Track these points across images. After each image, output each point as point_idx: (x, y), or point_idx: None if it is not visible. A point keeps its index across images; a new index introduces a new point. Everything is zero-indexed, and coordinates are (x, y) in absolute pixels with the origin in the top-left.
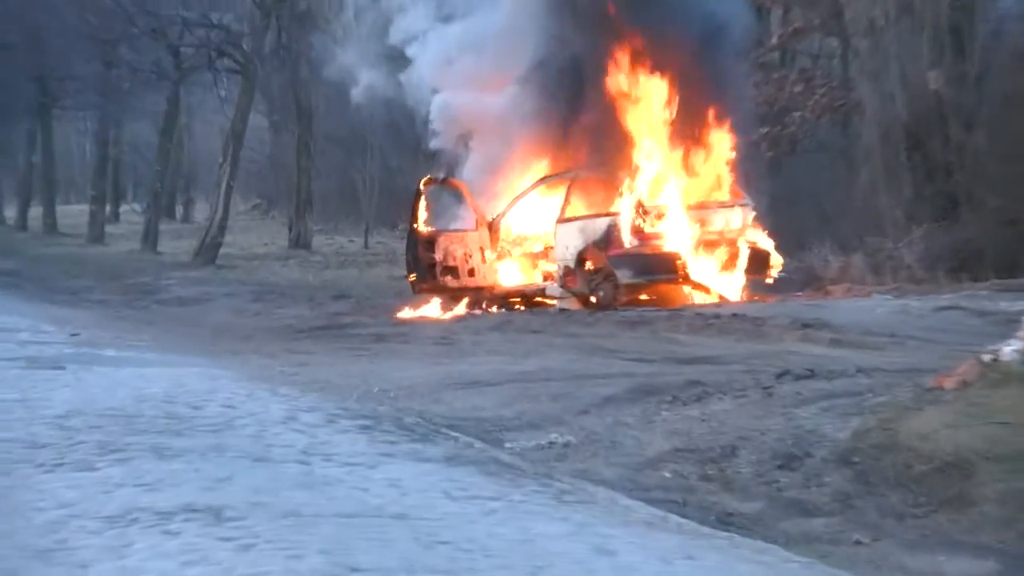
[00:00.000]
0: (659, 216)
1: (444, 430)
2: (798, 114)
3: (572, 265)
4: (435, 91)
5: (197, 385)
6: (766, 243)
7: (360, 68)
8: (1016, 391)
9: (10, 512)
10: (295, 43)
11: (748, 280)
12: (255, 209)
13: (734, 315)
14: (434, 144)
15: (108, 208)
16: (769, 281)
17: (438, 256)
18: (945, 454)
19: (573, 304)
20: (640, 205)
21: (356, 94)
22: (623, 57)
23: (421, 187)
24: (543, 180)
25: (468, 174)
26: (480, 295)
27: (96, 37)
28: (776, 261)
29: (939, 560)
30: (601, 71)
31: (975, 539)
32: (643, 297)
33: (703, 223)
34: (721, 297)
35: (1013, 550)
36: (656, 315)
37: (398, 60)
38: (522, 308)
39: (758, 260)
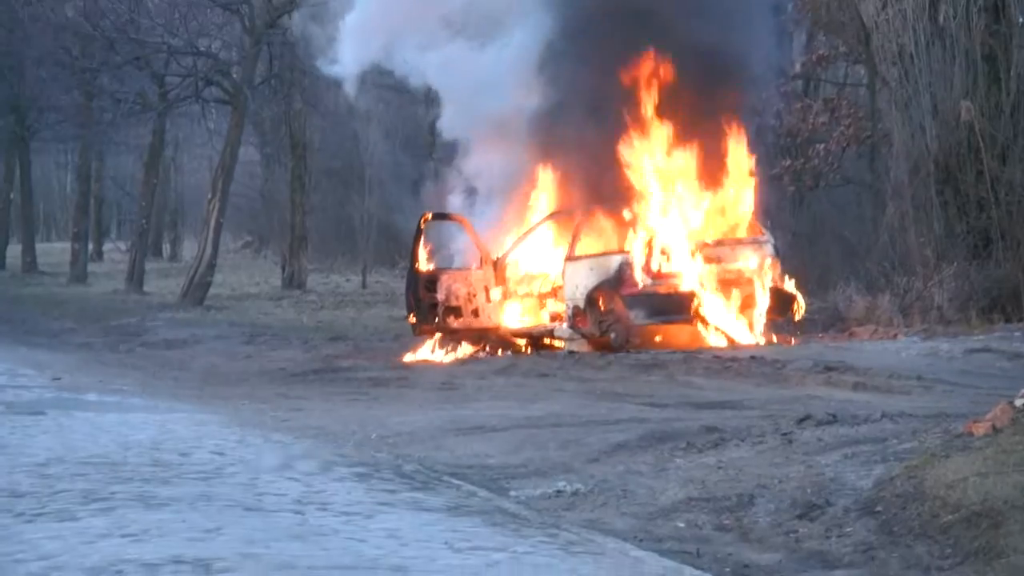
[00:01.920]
0: (672, 254)
1: (446, 478)
2: (822, 146)
3: (582, 305)
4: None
5: (185, 431)
6: (788, 284)
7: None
8: None
9: None
10: (287, 71)
11: (770, 321)
12: (246, 247)
13: (753, 358)
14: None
15: (91, 246)
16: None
17: (440, 296)
18: (973, 503)
19: (583, 346)
20: (653, 243)
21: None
22: (635, 84)
23: (421, 223)
24: (551, 216)
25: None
26: (485, 337)
27: (76, 66)
28: (801, 303)
29: None
30: (611, 98)
31: None
32: (657, 339)
33: (721, 261)
34: (730, 339)
35: None
36: (671, 358)
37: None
38: (529, 350)
39: (782, 301)
